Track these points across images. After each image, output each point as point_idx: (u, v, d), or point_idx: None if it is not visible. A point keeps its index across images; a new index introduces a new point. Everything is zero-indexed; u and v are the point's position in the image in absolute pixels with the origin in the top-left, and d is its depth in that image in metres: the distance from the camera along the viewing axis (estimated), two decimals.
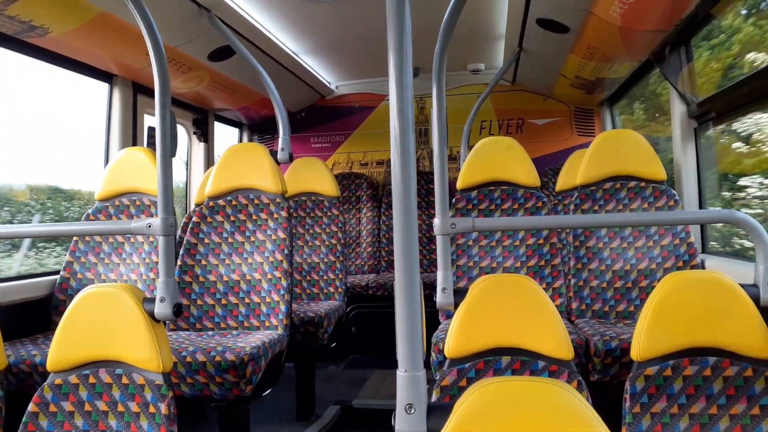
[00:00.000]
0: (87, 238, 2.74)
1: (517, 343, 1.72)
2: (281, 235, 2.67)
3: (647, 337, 1.60)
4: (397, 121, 0.98)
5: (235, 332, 2.51)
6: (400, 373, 0.97)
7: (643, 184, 2.78)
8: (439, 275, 1.88)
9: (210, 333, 2.51)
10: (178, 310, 1.68)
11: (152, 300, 1.66)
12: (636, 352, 1.61)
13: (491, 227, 1.99)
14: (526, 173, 2.86)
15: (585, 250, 2.74)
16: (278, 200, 2.74)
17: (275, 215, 2.71)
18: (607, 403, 1.75)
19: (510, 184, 2.88)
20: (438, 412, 0.97)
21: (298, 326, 2.97)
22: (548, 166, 4.69)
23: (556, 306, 2.68)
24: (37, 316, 2.60)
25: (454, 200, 2.89)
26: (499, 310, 1.72)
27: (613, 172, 2.81)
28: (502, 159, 2.90)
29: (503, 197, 2.89)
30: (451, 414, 0.94)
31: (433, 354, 2.32)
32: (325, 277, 3.52)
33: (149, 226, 1.68)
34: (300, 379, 3.18)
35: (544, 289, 2.67)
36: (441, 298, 1.85)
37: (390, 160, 4.97)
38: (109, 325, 1.64)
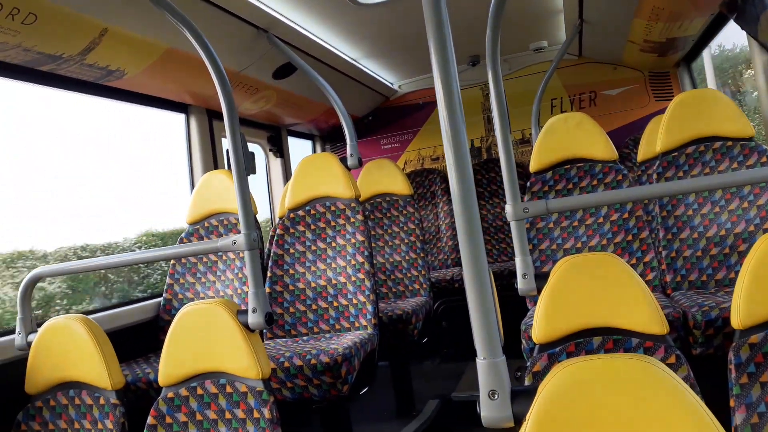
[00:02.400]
0: (183, 261, 2.93)
1: (607, 322, 1.68)
2: (360, 237, 2.73)
3: (747, 302, 1.51)
4: (445, 113, 1.00)
5: (327, 335, 2.60)
6: (480, 361, 0.99)
7: (729, 143, 2.62)
8: (518, 261, 1.87)
9: (305, 338, 2.61)
10: (269, 318, 1.77)
11: (245, 311, 1.76)
12: (736, 320, 1.53)
13: (565, 207, 1.94)
14: (602, 147, 2.77)
15: (674, 220, 2.62)
16: (353, 205, 2.81)
17: (352, 219, 2.79)
18: (714, 376, 1.67)
19: (586, 160, 2.80)
20: (522, 396, 0.97)
21: (387, 325, 3.03)
22: (629, 136, 4.51)
23: (649, 280, 2.59)
24: (147, 336, 2.81)
25: (529, 184, 2.85)
26: (584, 290, 1.69)
27: (696, 135, 2.67)
28: (574, 135, 2.82)
29: (580, 175, 2.81)
30: (535, 397, 0.95)
31: (523, 341, 2.30)
32: (408, 275, 3.56)
33: (234, 243, 1.78)
34: (396, 376, 3.24)
35: (634, 264, 2.58)
36: (522, 284, 1.84)
37: None
38: (208, 338, 1.76)
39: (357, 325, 2.64)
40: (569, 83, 4.87)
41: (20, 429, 1.90)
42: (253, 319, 1.75)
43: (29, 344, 1.98)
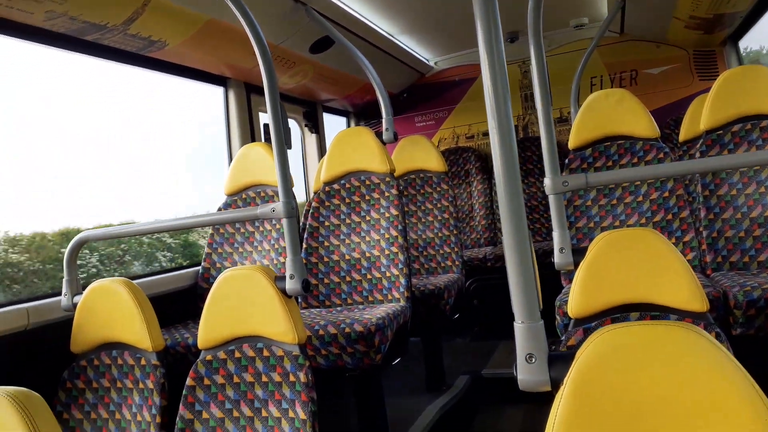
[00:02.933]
0: (221, 231, 2.99)
1: (645, 297, 1.66)
2: (393, 212, 2.74)
3: None
4: (490, 87, 0.99)
5: (361, 306, 2.63)
6: (518, 325, 0.99)
7: None
8: (555, 235, 1.85)
9: (338, 308, 2.65)
10: (306, 285, 1.80)
11: (283, 278, 1.79)
12: None
13: (606, 181, 1.91)
14: (644, 124, 2.71)
15: (717, 200, 2.55)
16: (387, 179, 2.81)
17: (386, 194, 2.79)
18: (755, 356, 1.64)
19: (627, 137, 2.74)
20: (560, 360, 0.97)
21: (420, 299, 3.04)
22: (669, 117, 4.39)
23: (688, 260, 2.53)
24: (186, 303, 2.89)
25: (567, 161, 2.81)
26: (622, 265, 1.66)
27: (742, 113, 2.58)
28: (615, 112, 2.76)
29: (620, 152, 2.76)
30: (573, 362, 0.94)
31: (558, 318, 2.28)
32: (441, 252, 3.56)
33: (273, 210, 1.81)
34: (428, 351, 3.26)
35: (673, 243, 2.52)
36: (559, 258, 1.82)
37: None
38: (247, 303, 1.79)
39: (390, 297, 2.66)
40: (610, 61, 4.75)
41: (66, 386, 1.98)
42: (290, 285, 1.78)
43: (75, 305, 2.06)
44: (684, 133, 3.42)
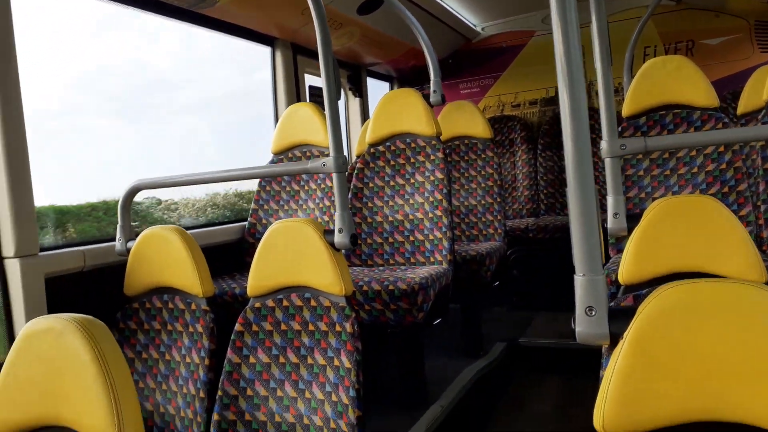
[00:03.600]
0: (268, 189, 3.03)
1: (700, 266, 1.62)
2: (438, 175, 2.73)
3: None
4: (561, 46, 0.97)
5: (402, 267, 2.64)
6: (578, 278, 0.97)
7: None
8: (610, 200, 1.81)
9: (380, 268, 2.67)
10: (354, 239, 1.82)
11: (332, 231, 1.81)
12: None
13: (666, 146, 1.85)
14: (702, 93, 2.61)
15: None
16: (433, 142, 2.80)
17: (431, 157, 2.78)
18: None
19: (684, 106, 2.65)
20: (620, 315, 0.96)
21: (461, 264, 3.04)
22: (727, 90, 4.22)
23: None
24: (232, 256, 2.95)
25: (620, 128, 2.73)
26: (678, 233, 1.62)
27: None
28: (672, 79, 2.67)
29: (676, 122, 2.67)
30: (634, 317, 0.93)
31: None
32: (483, 219, 3.54)
33: (324, 165, 1.82)
34: (466, 317, 3.27)
35: None
36: (612, 223, 1.79)
37: (543, 99, 4.80)
38: (296, 254, 1.82)
39: (432, 260, 2.66)
40: (665, 31, 4.58)
41: (119, 327, 2.06)
42: (338, 238, 1.79)
43: (128, 250, 2.12)
44: (743, 106, 3.28)
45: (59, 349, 1.07)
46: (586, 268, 0.96)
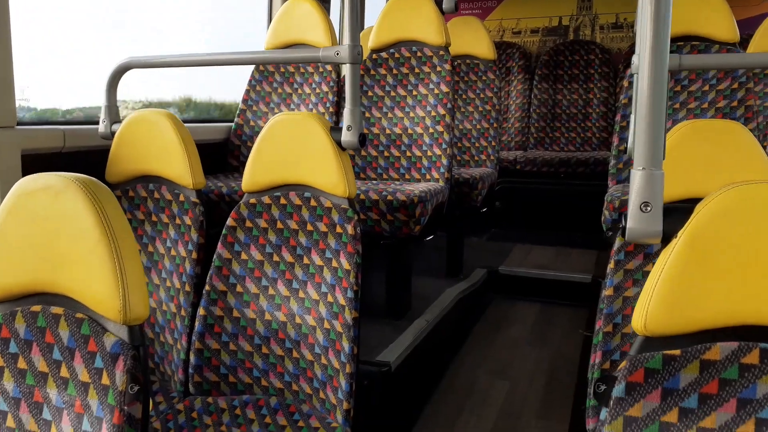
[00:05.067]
0: (258, 88, 2.86)
1: None
2: (444, 89, 2.61)
3: None
4: None
5: (396, 183, 2.56)
6: (637, 171, 0.91)
7: None
8: (633, 118, 1.74)
9: (373, 182, 2.58)
10: (362, 139, 1.71)
11: (339, 129, 1.70)
12: None
13: (701, 65, 1.77)
14: (724, 26, 2.51)
15: None
16: (441, 53, 2.65)
17: (438, 68, 2.65)
18: None
19: (703, 39, 2.55)
20: (676, 213, 0.91)
21: (452, 187, 2.98)
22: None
23: None
24: (217, 157, 2.82)
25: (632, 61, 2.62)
26: (702, 156, 1.57)
27: None
28: (691, 11, 2.55)
29: (694, 54, 2.58)
30: (691, 216, 0.88)
31: (605, 213, 2.23)
32: (477, 144, 3.46)
33: (337, 54, 1.68)
34: (450, 241, 3.24)
35: None
36: (632, 143, 1.72)
37: (546, 28, 4.63)
38: (298, 151, 1.72)
39: (428, 177, 2.58)
40: None
41: None
42: (346, 137, 1.69)
43: (113, 134, 1.98)
44: (753, 48, 3.21)
45: (58, 209, 0.96)
46: (647, 162, 0.90)
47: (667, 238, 0.90)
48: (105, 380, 0.93)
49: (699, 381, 0.83)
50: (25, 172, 1.85)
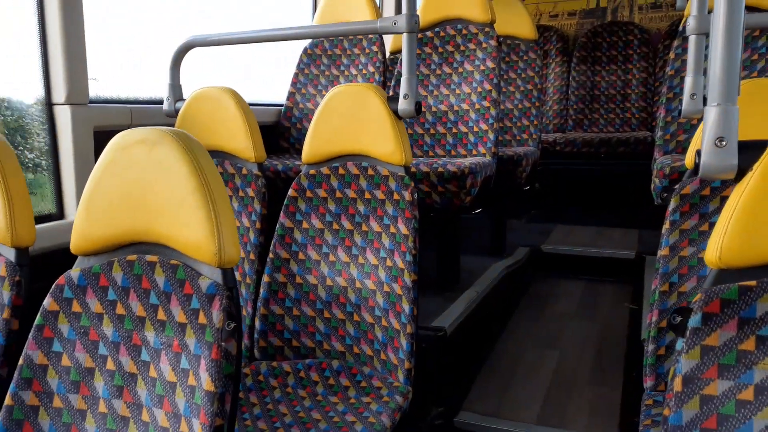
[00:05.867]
0: (306, 71, 2.94)
1: None
2: (490, 64, 2.64)
3: None
4: None
5: (443, 159, 2.60)
6: (711, 108, 0.94)
7: None
8: (688, 81, 1.75)
9: (420, 159, 2.63)
10: (419, 107, 1.76)
11: (395, 98, 1.75)
12: None
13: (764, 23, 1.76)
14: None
15: None
16: (487, 29, 2.68)
17: (483, 45, 2.67)
18: None
19: (757, 9, 2.52)
20: (750, 148, 0.93)
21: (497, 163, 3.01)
22: None
23: None
24: (268, 139, 2.89)
25: (678, 40, 2.60)
26: (759, 114, 1.57)
27: None
28: None
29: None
30: (766, 150, 0.90)
31: (655, 181, 2.23)
32: (518, 124, 3.47)
33: (395, 24, 1.73)
34: (493, 222, 3.28)
35: None
36: (688, 105, 1.73)
37: (583, 10, 4.59)
38: (355, 121, 1.77)
39: (475, 153, 2.62)
40: None
41: None
42: (403, 105, 1.74)
43: (177, 111, 2.07)
44: None
45: (154, 160, 1.02)
46: (722, 97, 0.92)
47: (741, 173, 0.93)
48: (202, 319, 0.99)
49: None
50: (97, 147, 1.96)
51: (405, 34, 1.73)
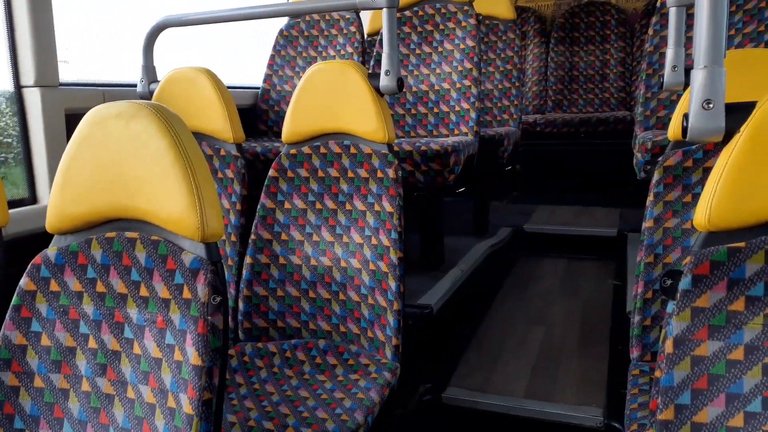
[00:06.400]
0: (282, 53, 2.89)
1: None
2: (470, 43, 2.62)
3: None
4: None
5: (424, 140, 2.59)
6: (697, 70, 0.93)
7: None
8: (669, 53, 1.75)
9: (401, 140, 2.61)
10: (401, 84, 1.74)
11: (376, 75, 1.72)
12: None
13: None
14: None
15: None
16: (466, 8, 2.66)
17: (463, 23, 2.65)
18: None
19: None
20: (738, 111, 0.93)
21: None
22: None
23: None
24: (245, 122, 2.85)
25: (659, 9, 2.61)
26: (745, 84, 1.58)
27: None
28: None
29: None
30: (753, 111, 0.90)
31: (637, 155, 2.25)
32: (499, 104, 3.46)
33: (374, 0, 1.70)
34: (475, 202, 3.28)
35: None
36: (670, 77, 1.73)
37: None
38: (336, 99, 1.75)
39: (456, 132, 2.61)
40: None
41: None
42: (384, 82, 1.72)
43: (151, 93, 2.02)
44: None
45: (131, 134, 0.98)
46: (709, 59, 0.91)
47: (728, 135, 0.92)
48: (186, 294, 0.96)
49: (765, 270, 0.86)
50: (69, 130, 1.90)
51: (385, 10, 1.71)
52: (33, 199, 1.85)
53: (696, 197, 1.55)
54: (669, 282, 0.92)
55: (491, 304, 2.71)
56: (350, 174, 1.75)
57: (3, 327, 1.03)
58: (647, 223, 1.58)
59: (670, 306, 0.91)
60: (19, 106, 1.81)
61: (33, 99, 1.80)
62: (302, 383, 1.55)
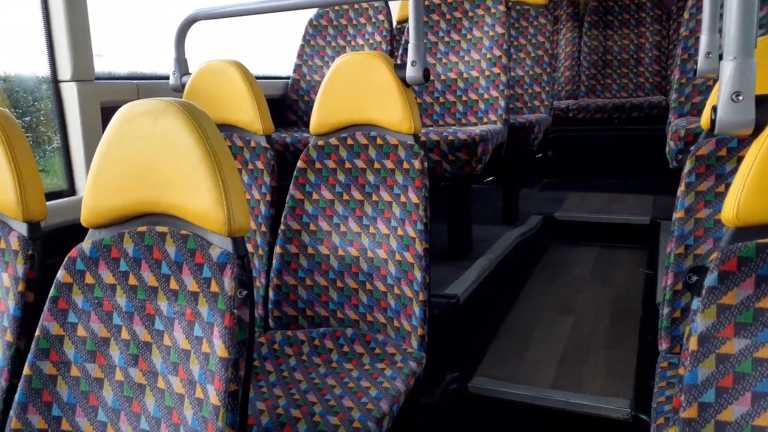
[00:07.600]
0: (312, 43, 2.91)
1: None
2: (499, 30, 2.59)
3: None
4: None
5: (453, 128, 2.58)
6: (728, 62, 0.91)
7: None
8: (703, 39, 1.70)
9: (429, 128, 2.60)
10: (427, 74, 1.74)
11: (403, 65, 1.73)
12: None
13: None
14: None
15: None
16: None
17: (492, 10, 2.62)
18: None
19: None
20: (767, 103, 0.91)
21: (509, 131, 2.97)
22: None
23: None
24: (276, 113, 2.88)
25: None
26: None
27: None
28: None
29: None
30: None
31: (670, 143, 2.20)
32: (530, 91, 3.41)
33: None
34: (505, 190, 3.25)
35: None
36: (703, 63, 1.69)
37: None
38: (363, 90, 1.75)
39: (485, 120, 2.59)
40: None
41: None
42: (411, 72, 1.71)
43: (183, 85, 2.06)
44: None
45: (160, 131, 1.01)
46: (739, 51, 0.89)
47: (759, 128, 0.90)
48: (214, 288, 0.99)
49: None
50: (105, 123, 1.96)
51: (412, 1, 1.70)
52: (72, 190, 1.91)
53: (729, 187, 1.51)
54: (694, 278, 0.91)
55: (520, 292, 2.70)
56: (377, 165, 1.76)
57: (41, 318, 1.08)
58: (678, 214, 1.55)
59: (695, 303, 0.90)
60: (56, 100, 1.87)
61: (70, 93, 1.85)
62: (330, 371, 1.58)
